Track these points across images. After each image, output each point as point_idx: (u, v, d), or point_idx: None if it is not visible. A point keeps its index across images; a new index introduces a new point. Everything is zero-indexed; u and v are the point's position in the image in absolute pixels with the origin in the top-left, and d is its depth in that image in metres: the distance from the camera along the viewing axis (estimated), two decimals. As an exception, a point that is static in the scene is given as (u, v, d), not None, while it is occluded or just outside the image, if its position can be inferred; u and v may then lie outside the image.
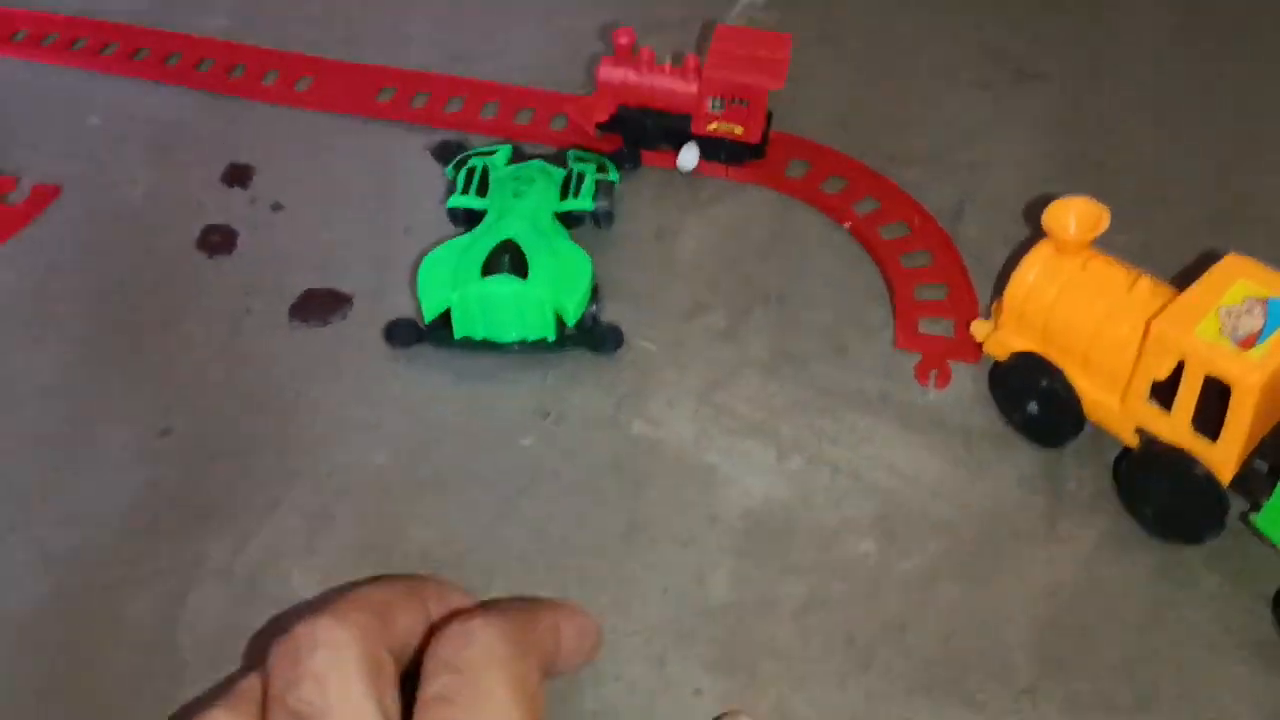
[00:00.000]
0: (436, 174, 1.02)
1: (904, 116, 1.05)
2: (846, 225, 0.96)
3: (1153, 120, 1.04)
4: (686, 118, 0.99)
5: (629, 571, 0.75)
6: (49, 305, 0.92)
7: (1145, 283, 0.74)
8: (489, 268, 0.85)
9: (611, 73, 0.98)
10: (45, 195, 1.00)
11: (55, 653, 0.72)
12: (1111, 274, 0.75)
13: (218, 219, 0.99)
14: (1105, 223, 0.75)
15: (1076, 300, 0.75)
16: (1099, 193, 0.93)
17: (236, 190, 1.01)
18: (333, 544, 0.77)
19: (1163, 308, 0.69)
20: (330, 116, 1.07)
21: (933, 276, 0.92)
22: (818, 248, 0.95)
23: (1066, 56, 1.10)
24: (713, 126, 0.97)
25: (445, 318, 0.86)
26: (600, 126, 1.02)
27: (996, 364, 0.82)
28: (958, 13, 1.14)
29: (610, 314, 0.90)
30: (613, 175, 0.96)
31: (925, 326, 0.89)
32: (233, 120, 1.07)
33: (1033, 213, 0.96)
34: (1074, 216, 0.75)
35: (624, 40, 0.96)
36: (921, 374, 0.86)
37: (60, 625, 0.73)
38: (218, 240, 0.97)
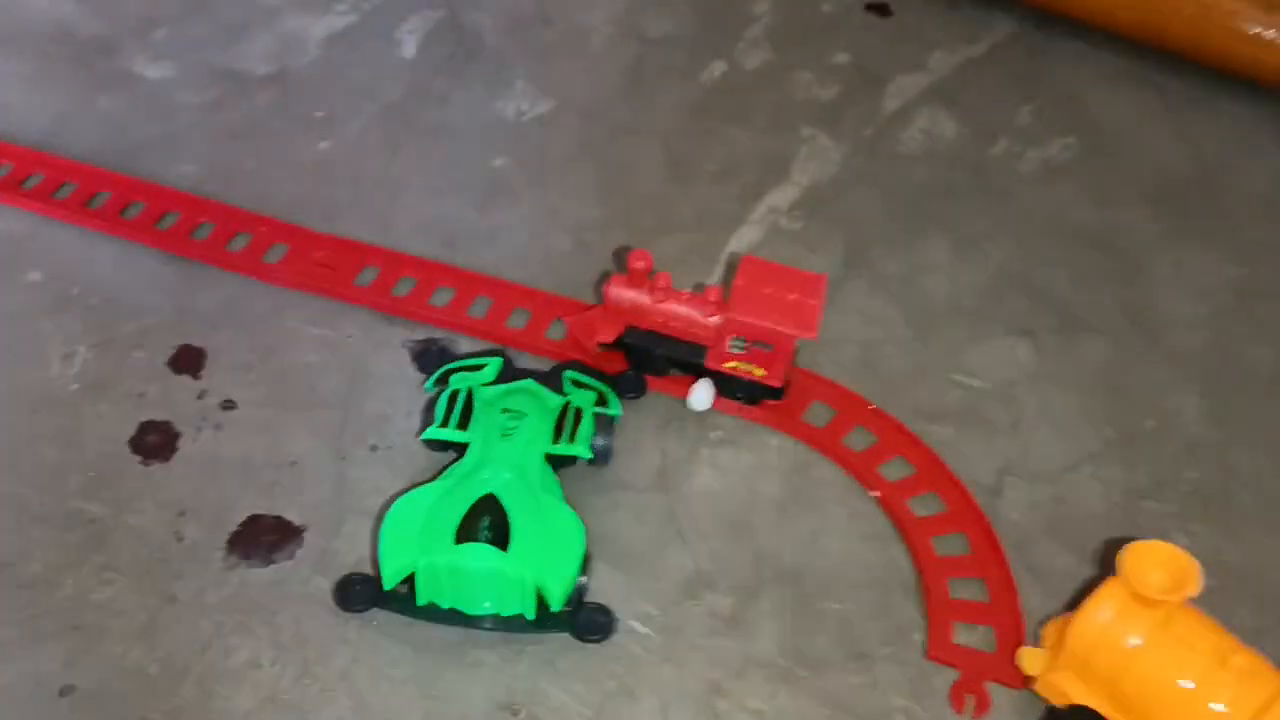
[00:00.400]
0: (414, 378, 0.90)
1: (938, 360, 0.95)
2: (875, 494, 0.85)
3: (1215, 394, 0.94)
4: (700, 348, 0.88)
5: None
6: (-54, 512, 0.79)
7: (1241, 658, 0.63)
8: (464, 533, 0.73)
9: (622, 294, 0.87)
10: (-37, 366, 0.87)
11: None
12: (1200, 639, 0.64)
13: (159, 414, 0.86)
14: (1195, 582, 0.64)
15: (1156, 664, 0.65)
16: (1155, 476, 0.84)
17: (185, 379, 0.89)
18: None
19: (1267, 705, 0.58)
20: (301, 296, 0.95)
21: (970, 569, 0.81)
22: (839, 516, 0.84)
23: (1114, 303, 1.01)
24: (731, 365, 0.87)
25: (409, 579, 0.74)
26: (604, 345, 0.91)
27: (1050, 713, 0.71)
28: (1000, 240, 1.05)
29: (601, 580, 0.78)
30: (614, 409, 0.85)
31: (961, 634, 0.77)
32: (191, 289, 0.95)
33: (1081, 497, 0.86)
34: (1158, 569, 0.65)
35: (639, 265, 0.85)
36: (956, 699, 0.74)
37: None
38: (155, 442, 0.84)
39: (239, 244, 0.99)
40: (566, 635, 0.75)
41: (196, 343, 0.91)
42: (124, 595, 0.75)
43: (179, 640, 0.74)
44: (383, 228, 1.02)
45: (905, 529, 0.83)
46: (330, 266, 0.97)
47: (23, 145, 1.05)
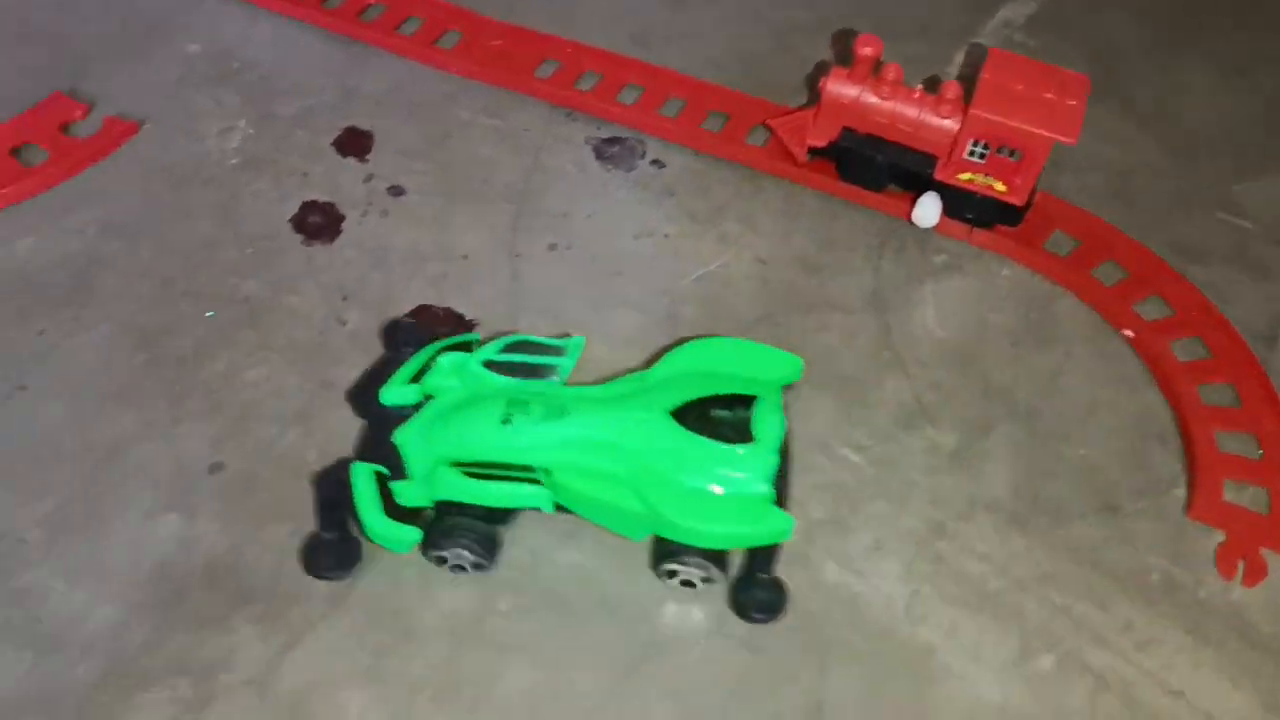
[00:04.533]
0: (597, 176, 0.81)
1: (1201, 195, 0.82)
2: (1127, 334, 0.73)
3: None
4: (929, 158, 0.76)
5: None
6: (95, 277, 0.72)
7: None
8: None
9: (843, 89, 0.76)
10: (120, 132, 0.81)
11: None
12: None
13: (322, 195, 0.78)
14: None
15: None
16: None
17: (350, 162, 0.81)
18: (400, 676, 0.57)
19: None
20: (475, 86, 0.86)
21: (1241, 422, 0.68)
22: (1084, 354, 0.72)
23: None
24: (965, 177, 0.75)
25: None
26: (814, 152, 0.80)
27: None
28: (1270, 67, 0.90)
29: (808, 404, 0.68)
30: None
31: (1231, 493, 0.65)
32: (357, 71, 0.87)
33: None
34: None
35: (867, 51, 0.73)
36: (1224, 562, 0.63)
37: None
38: (319, 223, 0.77)
39: (410, 28, 0.90)
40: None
41: (363, 126, 0.83)
42: (279, 376, 0.68)
43: (335, 429, 0.66)
44: (566, 20, 0.92)
45: (1164, 374, 0.71)
46: (507, 56, 0.88)
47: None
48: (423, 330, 0.69)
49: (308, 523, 0.62)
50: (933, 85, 0.76)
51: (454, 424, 0.59)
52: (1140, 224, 0.79)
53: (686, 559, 0.58)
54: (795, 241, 0.78)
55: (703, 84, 0.86)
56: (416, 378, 0.64)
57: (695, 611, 0.60)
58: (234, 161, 0.80)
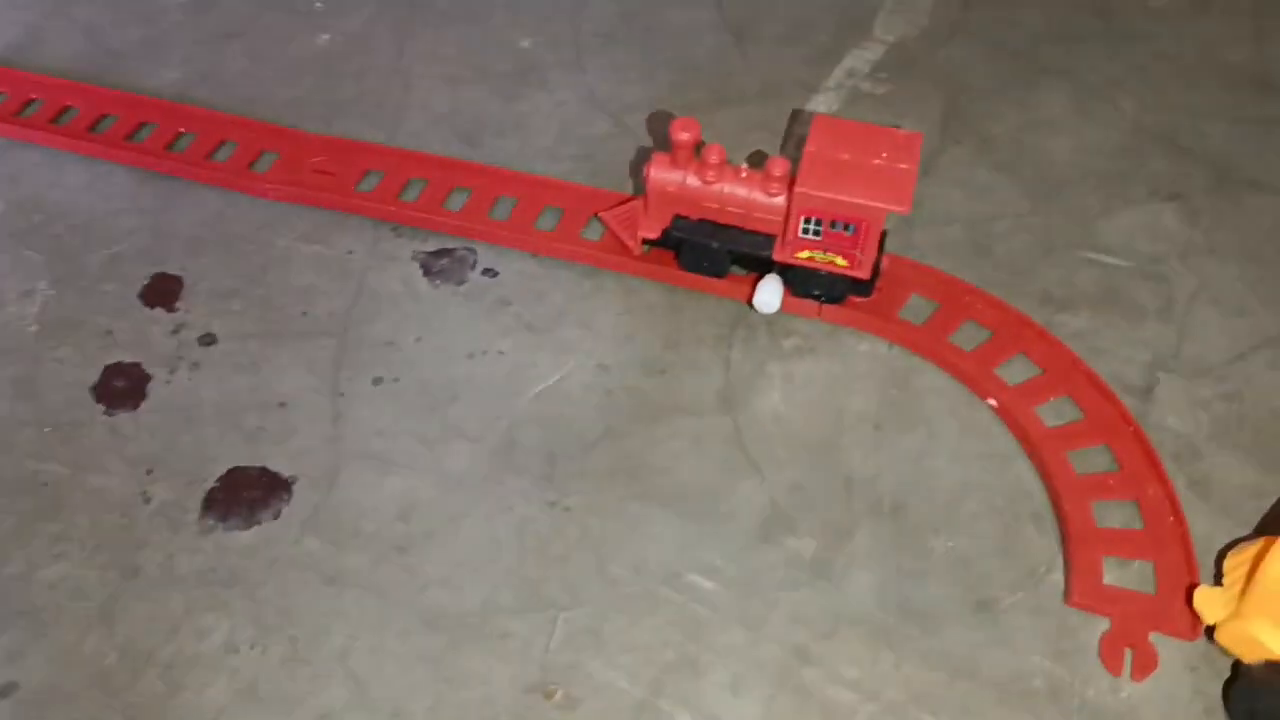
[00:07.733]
0: (426, 295, 0.76)
1: (1066, 236, 0.77)
2: (990, 403, 0.68)
3: None
4: (767, 239, 0.72)
5: None
6: (-122, 481, 0.67)
7: None
8: None
9: (666, 175, 0.71)
10: (-90, 311, 0.75)
11: None
12: None
13: (127, 354, 0.73)
14: None
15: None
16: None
17: (158, 313, 0.75)
18: None
19: None
20: (294, 209, 0.81)
21: (1119, 489, 0.64)
22: (949, 431, 0.67)
23: (1282, 155, 0.81)
24: (804, 255, 0.70)
25: None
26: (649, 243, 0.75)
27: (1238, 671, 0.54)
28: (1133, 89, 0.86)
29: (648, 533, 0.63)
30: None
31: (1112, 572, 0.60)
32: (168, 209, 0.82)
33: (1259, 391, 0.68)
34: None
35: (684, 136, 0.69)
36: (1110, 655, 0.58)
37: None
38: (122, 387, 0.71)
39: (224, 154, 0.85)
40: (607, 597, 0.60)
41: (173, 270, 0.78)
42: (80, 571, 0.63)
43: (142, 623, 0.61)
44: (392, 126, 0.87)
45: (1033, 443, 0.66)
46: (328, 173, 0.83)
47: (-15, 61, 0.92)
48: None
49: (102, 744, 0.56)
50: (759, 161, 0.71)
51: None
52: (1001, 277, 0.75)
53: None
54: (638, 342, 0.73)
55: (534, 179, 0.82)
56: None
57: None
58: (34, 328, 0.75)
